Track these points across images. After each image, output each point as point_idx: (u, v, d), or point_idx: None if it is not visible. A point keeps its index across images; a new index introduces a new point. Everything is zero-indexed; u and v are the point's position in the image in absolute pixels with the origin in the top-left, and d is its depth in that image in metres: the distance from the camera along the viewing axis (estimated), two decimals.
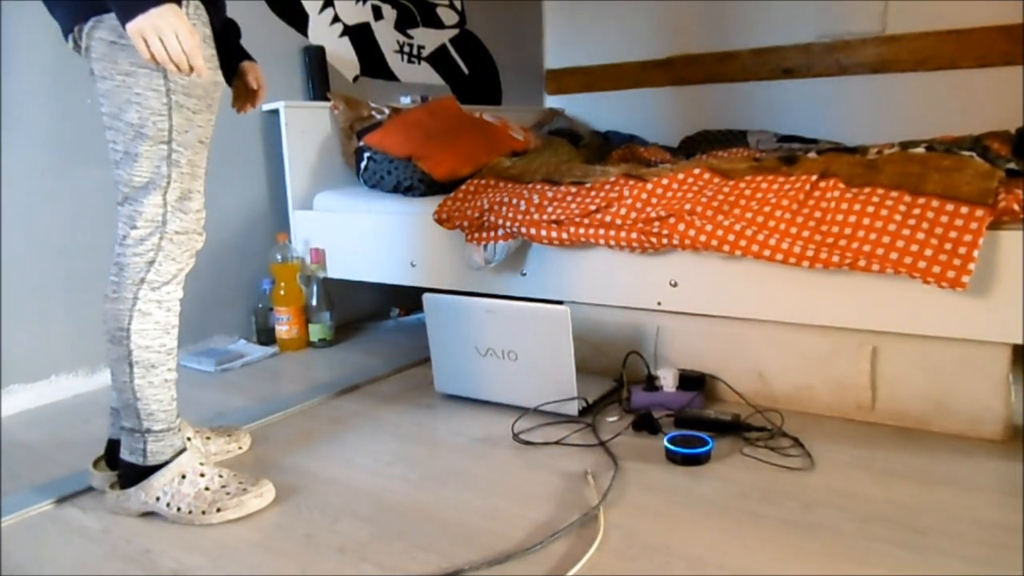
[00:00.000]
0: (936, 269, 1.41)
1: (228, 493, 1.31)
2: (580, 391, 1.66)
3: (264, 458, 1.55)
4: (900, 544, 1.14)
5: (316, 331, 2.37)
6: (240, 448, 1.59)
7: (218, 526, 1.27)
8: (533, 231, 1.85)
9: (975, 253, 1.38)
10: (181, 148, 1.26)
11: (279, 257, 2.32)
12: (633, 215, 1.75)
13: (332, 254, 2.39)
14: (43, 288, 1.96)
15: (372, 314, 2.78)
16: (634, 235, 1.74)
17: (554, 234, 1.83)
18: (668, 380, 1.71)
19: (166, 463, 1.31)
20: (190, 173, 1.29)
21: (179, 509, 1.29)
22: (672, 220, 1.68)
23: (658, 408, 1.68)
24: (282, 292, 2.31)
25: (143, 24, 1.12)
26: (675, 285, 1.76)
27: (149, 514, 1.32)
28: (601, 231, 1.77)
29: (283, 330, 2.34)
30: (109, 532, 1.27)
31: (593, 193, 1.84)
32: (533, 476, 1.41)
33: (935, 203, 1.45)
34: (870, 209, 1.50)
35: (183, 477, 1.31)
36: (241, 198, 2.40)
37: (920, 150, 1.62)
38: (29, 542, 1.26)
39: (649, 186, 1.78)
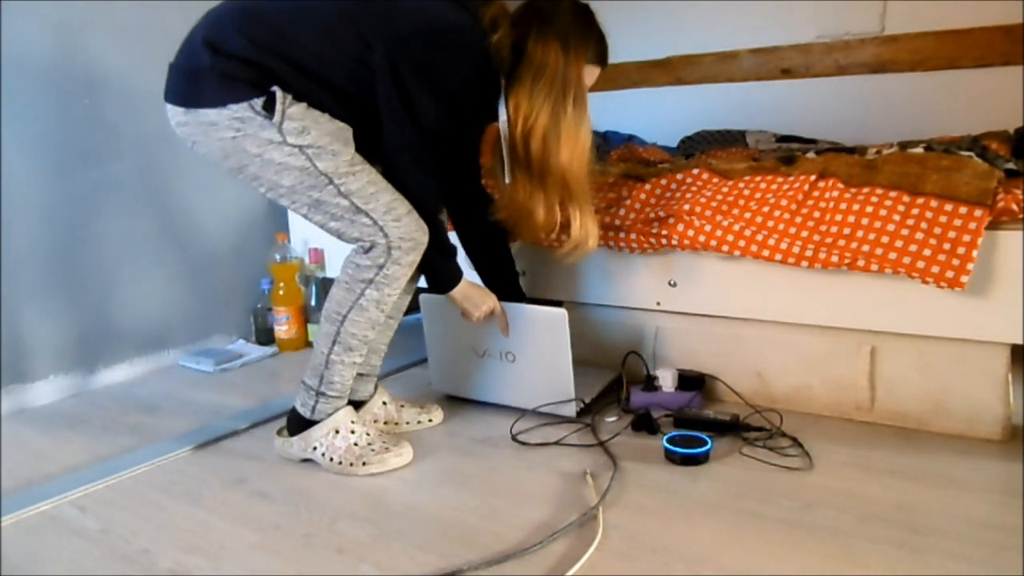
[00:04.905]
0: (935, 269, 1.41)
1: (373, 450, 1.45)
2: (578, 392, 1.66)
3: (262, 458, 1.55)
4: (899, 544, 1.14)
5: (315, 331, 2.36)
6: (431, 420, 1.67)
7: (216, 526, 1.27)
8: None
9: (974, 253, 1.38)
10: (343, 180, 1.35)
11: (278, 257, 2.32)
12: (632, 215, 1.75)
13: (331, 254, 2.39)
14: (43, 288, 1.95)
15: None
16: (633, 235, 1.74)
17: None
18: (667, 380, 1.71)
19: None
20: (374, 192, 1.37)
21: (332, 459, 1.44)
22: (671, 220, 1.68)
23: (657, 408, 1.68)
24: (281, 292, 2.31)
25: (456, 295, 1.56)
26: (674, 285, 1.76)
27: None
28: (600, 231, 1.76)
29: (282, 330, 2.34)
30: (107, 532, 1.27)
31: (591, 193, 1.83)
32: (532, 476, 1.41)
33: (934, 203, 1.45)
34: (869, 209, 1.50)
35: (336, 432, 1.46)
36: (240, 198, 2.40)
37: (919, 150, 1.62)
38: (28, 542, 1.26)
39: (648, 186, 1.78)
